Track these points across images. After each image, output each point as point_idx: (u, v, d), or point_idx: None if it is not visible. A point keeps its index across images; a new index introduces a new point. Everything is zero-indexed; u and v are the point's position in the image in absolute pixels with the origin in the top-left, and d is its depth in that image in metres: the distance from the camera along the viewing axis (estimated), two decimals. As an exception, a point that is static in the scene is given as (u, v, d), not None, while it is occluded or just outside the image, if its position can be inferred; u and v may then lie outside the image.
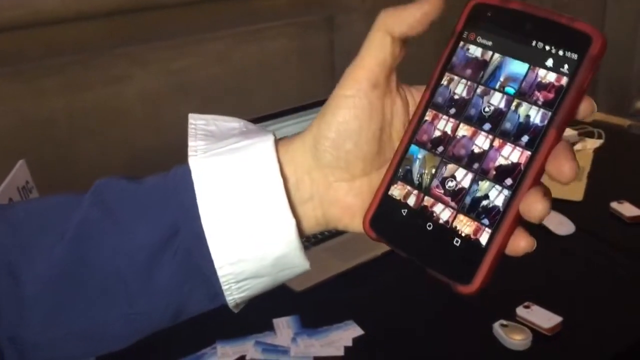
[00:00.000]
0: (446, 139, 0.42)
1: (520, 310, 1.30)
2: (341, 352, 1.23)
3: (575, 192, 1.76)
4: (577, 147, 2.06)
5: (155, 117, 1.86)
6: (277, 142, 0.45)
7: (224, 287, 0.43)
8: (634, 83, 2.80)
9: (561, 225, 1.60)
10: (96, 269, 0.43)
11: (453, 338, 1.29)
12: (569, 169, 0.38)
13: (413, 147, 0.43)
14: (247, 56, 2.02)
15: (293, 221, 0.42)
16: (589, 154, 2.01)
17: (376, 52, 0.42)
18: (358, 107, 0.42)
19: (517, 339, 1.23)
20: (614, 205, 1.68)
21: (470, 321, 1.31)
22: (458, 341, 1.28)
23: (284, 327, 1.29)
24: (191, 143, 0.44)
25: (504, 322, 1.27)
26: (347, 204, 0.45)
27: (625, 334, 1.29)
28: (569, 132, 2.09)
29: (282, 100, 1.86)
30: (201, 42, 1.93)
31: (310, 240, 1.54)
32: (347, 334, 1.28)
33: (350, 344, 1.25)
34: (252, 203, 0.42)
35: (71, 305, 0.43)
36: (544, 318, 1.28)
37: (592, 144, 2.08)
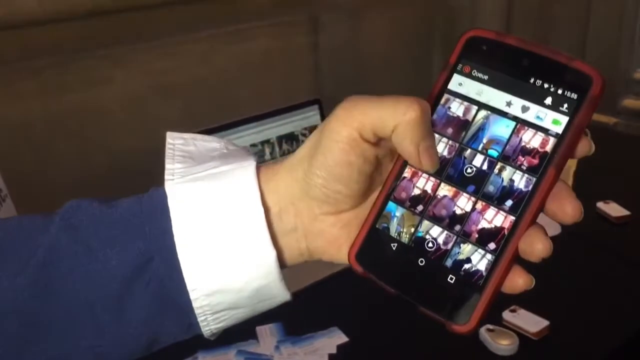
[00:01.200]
0: (444, 160, 0.41)
1: (507, 315, 1.29)
2: (325, 360, 1.21)
3: (562, 193, 1.75)
4: (563, 146, 2.05)
5: (136, 120, 1.83)
6: (259, 167, 0.43)
7: (200, 319, 0.41)
8: (620, 81, 2.80)
9: (547, 226, 1.57)
10: (63, 298, 0.40)
11: (439, 344, 1.27)
12: (572, 209, 0.37)
13: (406, 176, 0.42)
14: (230, 57, 1.99)
15: (274, 252, 0.41)
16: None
17: (376, 123, 0.40)
18: (351, 154, 0.40)
19: (503, 344, 1.22)
20: (601, 205, 1.67)
21: (456, 326, 1.29)
22: (444, 346, 1.26)
23: (267, 335, 1.27)
24: (168, 165, 0.42)
25: (490, 326, 1.26)
26: (334, 235, 0.43)
27: (613, 336, 1.28)
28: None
29: (265, 101, 1.84)
30: (183, 43, 1.90)
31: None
32: (331, 341, 1.26)
33: (334, 351, 1.24)
34: (230, 232, 0.40)
35: (35, 337, 0.41)
36: (531, 322, 1.27)
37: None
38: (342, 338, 1.27)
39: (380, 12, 2.24)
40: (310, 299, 1.38)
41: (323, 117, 1.68)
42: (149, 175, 0.44)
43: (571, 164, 1.89)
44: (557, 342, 1.25)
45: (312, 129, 1.64)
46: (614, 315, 1.34)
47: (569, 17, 2.60)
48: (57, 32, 1.65)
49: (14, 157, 1.61)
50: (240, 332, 1.28)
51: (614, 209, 1.65)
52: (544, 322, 1.26)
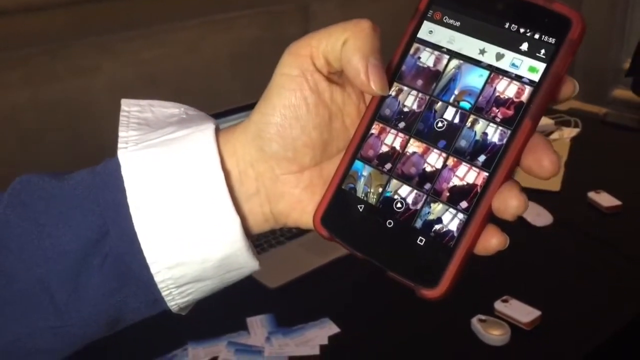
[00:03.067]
0: (413, 114, 0.39)
1: (499, 305, 1.29)
2: (317, 351, 1.21)
3: (553, 182, 1.74)
4: (554, 136, 2.05)
5: (125, 109, 1.82)
6: (218, 131, 0.41)
7: (164, 293, 0.39)
8: (610, 71, 2.80)
9: (538, 216, 1.58)
10: (16, 278, 0.38)
11: (431, 334, 1.27)
12: (550, 162, 0.35)
13: (373, 132, 0.40)
14: (219, 46, 1.98)
15: (237, 219, 0.38)
16: (566, 143, 2.00)
17: (326, 44, 0.38)
18: (305, 88, 0.38)
19: (495, 334, 1.22)
20: (592, 195, 1.67)
21: (447, 317, 1.29)
22: (436, 337, 1.26)
23: (258, 326, 1.26)
24: (122, 133, 0.39)
25: (482, 317, 1.26)
26: (296, 197, 0.41)
27: (605, 326, 1.28)
28: (545, 121, 2.07)
29: (254, 91, 1.81)
30: (171, 32, 1.89)
31: (284, 235, 1.51)
32: (322, 331, 1.25)
33: (326, 342, 1.23)
34: (190, 200, 0.38)
35: None
36: (523, 312, 1.26)
37: (569, 132, 2.07)
38: (334, 329, 1.26)
39: (370, 1, 2.23)
40: (301, 290, 1.38)
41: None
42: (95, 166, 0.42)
43: (562, 153, 1.89)
44: (549, 332, 1.25)
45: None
46: (606, 305, 1.34)
47: (561, 2, 2.59)
48: (44, 21, 1.63)
49: (2, 146, 1.59)
50: (231, 323, 1.27)
51: (605, 199, 1.65)
52: (536, 312, 1.26)
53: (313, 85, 0.38)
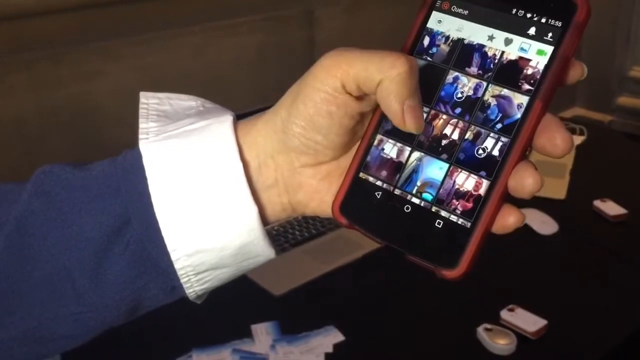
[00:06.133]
0: (430, 91, 0.40)
1: (505, 314, 1.28)
2: (321, 359, 1.20)
3: (559, 191, 1.74)
4: (559, 143, 2.04)
5: (128, 114, 1.80)
6: (237, 122, 0.42)
7: (183, 280, 0.40)
8: (615, 79, 2.80)
9: (544, 224, 1.57)
10: (39, 265, 0.39)
11: (436, 342, 1.26)
12: (562, 140, 0.36)
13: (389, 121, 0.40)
14: (223, 51, 1.98)
15: (255, 208, 0.39)
16: (571, 151, 1.99)
17: (362, 75, 0.38)
18: (332, 104, 0.39)
19: (501, 343, 1.21)
20: (597, 203, 1.67)
21: (453, 325, 1.29)
22: (442, 346, 1.25)
23: (263, 334, 1.26)
24: (142, 125, 0.41)
25: (488, 325, 1.25)
26: (314, 187, 0.42)
27: (611, 336, 1.27)
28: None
29: (259, 96, 1.82)
30: (175, 37, 1.89)
31: (289, 242, 1.51)
32: (327, 339, 1.24)
33: (330, 350, 1.22)
34: (209, 189, 0.39)
35: (13, 306, 0.40)
36: (529, 321, 1.26)
37: (575, 140, 2.07)
38: (338, 337, 1.25)
39: (376, 7, 2.23)
40: (306, 298, 1.37)
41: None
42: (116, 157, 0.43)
43: (568, 162, 1.89)
44: (555, 342, 1.24)
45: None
46: (612, 315, 1.33)
47: None
48: (49, 25, 1.63)
49: (5, 151, 1.59)
50: (236, 330, 1.26)
51: (611, 208, 1.65)
52: (542, 322, 1.25)
53: (341, 103, 0.39)
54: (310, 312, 1.34)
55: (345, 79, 0.38)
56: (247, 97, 1.94)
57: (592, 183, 1.83)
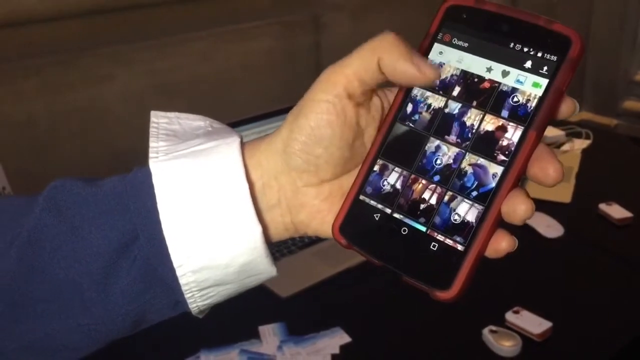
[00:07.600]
0: (429, 119, 0.41)
1: (510, 316, 1.29)
2: (328, 361, 1.21)
3: (564, 194, 1.75)
4: (565, 147, 2.05)
5: (138, 118, 1.81)
6: (243, 144, 0.43)
7: (187, 296, 0.41)
8: (621, 83, 2.80)
9: (550, 227, 1.58)
10: (49, 278, 0.40)
11: (442, 344, 1.27)
12: (554, 171, 0.37)
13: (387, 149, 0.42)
14: (231, 56, 1.99)
15: (259, 228, 0.41)
16: (577, 155, 2.00)
17: (360, 68, 0.40)
18: (332, 113, 0.40)
19: (506, 345, 1.22)
20: (603, 207, 1.67)
21: (459, 327, 1.29)
22: (447, 347, 1.26)
23: (270, 335, 1.27)
24: (152, 144, 0.42)
25: (493, 327, 1.26)
26: (316, 208, 0.43)
27: (617, 338, 1.28)
28: (556, 133, 2.08)
29: (266, 100, 1.83)
30: (184, 42, 1.90)
31: (297, 244, 1.52)
32: (334, 341, 1.25)
33: (337, 351, 1.23)
34: (216, 209, 0.40)
35: (21, 316, 0.41)
36: (534, 323, 1.26)
37: (580, 144, 2.07)
38: (345, 338, 1.26)
39: (382, 12, 2.24)
40: (313, 299, 1.38)
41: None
42: (125, 174, 0.45)
43: (573, 166, 1.89)
44: (560, 344, 1.25)
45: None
46: (617, 317, 1.34)
47: (570, 19, 2.60)
48: (58, 30, 1.65)
49: (16, 155, 1.61)
50: (243, 331, 1.28)
51: (616, 211, 1.65)
52: (547, 324, 1.26)
53: (340, 110, 0.40)
54: (317, 314, 1.35)
55: (346, 81, 0.40)
56: (255, 102, 1.96)
57: (598, 187, 1.84)
